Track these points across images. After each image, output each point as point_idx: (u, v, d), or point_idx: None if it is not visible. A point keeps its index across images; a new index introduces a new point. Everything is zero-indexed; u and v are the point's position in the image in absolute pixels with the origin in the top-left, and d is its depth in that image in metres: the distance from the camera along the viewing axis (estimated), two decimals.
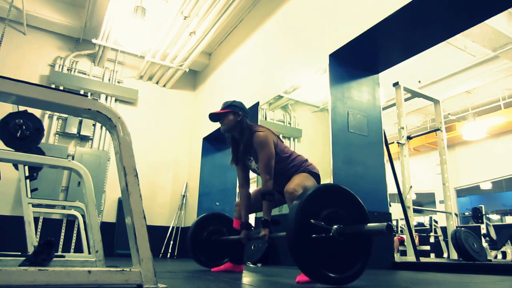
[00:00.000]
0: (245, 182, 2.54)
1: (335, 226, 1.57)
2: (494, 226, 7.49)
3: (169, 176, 6.97)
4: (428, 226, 8.72)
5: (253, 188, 2.68)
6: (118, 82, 6.84)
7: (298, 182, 2.18)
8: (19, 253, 2.86)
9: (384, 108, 5.45)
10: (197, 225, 2.84)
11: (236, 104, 2.45)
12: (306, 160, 2.42)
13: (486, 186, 10.19)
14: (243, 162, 2.48)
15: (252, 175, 2.73)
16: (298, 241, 1.52)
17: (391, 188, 4.07)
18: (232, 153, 2.51)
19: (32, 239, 3.01)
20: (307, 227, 1.55)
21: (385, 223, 1.48)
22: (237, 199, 2.73)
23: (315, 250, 1.53)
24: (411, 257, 4.64)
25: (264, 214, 2.26)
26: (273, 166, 2.28)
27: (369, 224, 1.59)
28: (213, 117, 2.45)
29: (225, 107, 2.44)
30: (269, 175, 2.25)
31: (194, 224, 2.86)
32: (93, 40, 6.07)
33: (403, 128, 4.87)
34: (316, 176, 2.36)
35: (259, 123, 4.86)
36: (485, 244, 6.37)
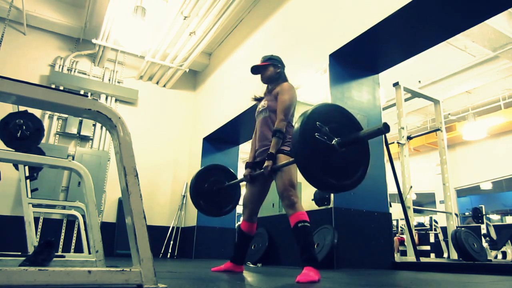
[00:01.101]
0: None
1: (336, 139, 1.68)
2: (494, 226, 7.49)
3: (169, 176, 6.97)
4: (428, 226, 8.73)
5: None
6: (118, 82, 6.84)
7: (284, 182, 2.19)
8: (19, 253, 2.86)
9: (384, 108, 5.46)
10: (199, 176, 2.87)
11: (275, 57, 2.61)
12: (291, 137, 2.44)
13: (486, 186, 10.19)
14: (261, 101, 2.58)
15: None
16: (304, 140, 1.62)
17: (391, 188, 4.07)
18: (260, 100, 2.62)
19: (32, 239, 3.01)
20: (312, 129, 1.66)
21: (382, 123, 1.58)
22: (240, 201, 2.75)
23: (318, 155, 1.64)
24: (411, 257, 4.64)
25: (272, 148, 2.29)
26: (291, 112, 2.40)
27: (365, 129, 1.73)
28: (255, 69, 2.60)
29: (265, 60, 2.59)
30: (285, 117, 2.35)
31: (196, 174, 2.88)
32: (93, 40, 6.08)
33: (403, 128, 4.87)
34: (290, 154, 2.34)
35: None
36: (485, 244, 6.37)
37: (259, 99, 2.64)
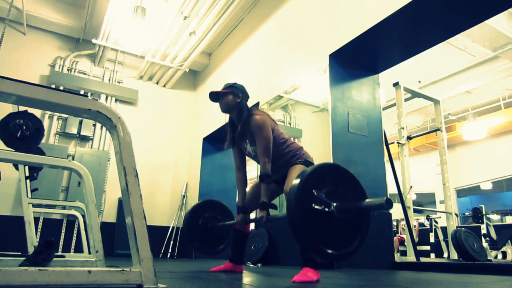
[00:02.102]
0: (242, 166, 2.56)
1: (334, 204, 1.58)
2: (494, 226, 7.49)
3: (169, 176, 6.97)
4: (428, 226, 8.72)
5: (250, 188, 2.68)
6: (118, 82, 6.84)
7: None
8: (19, 253, 2.86)
9: (384, 108, 5.46)
10: (193, 212, 2.85)
11: (237, 86, 2.47)
12: (302, 148, 2.43)
13: (486, 186, 10.19)
14: (239, 145, 2.50)
15: (248, 170, 2.73)
16: (299, 211, 1.53)
17: (391, 188, 4.07)
18: (229, 134, 2.53)
19: (32, 239, 3.01)
20: (309, 198, 1.57)
21: (384, 197, 1.48)
22: (237, 200, 2.74)
23: (315, 225, 1.55)
24: (411, 257, 4.64)
25: (263, 196, 2.26)
26: (271, 149, 2.30)
27: (367, 200, 1.61)
28: (213, 96, 2.47)
29: (225, 88, 2.46)
30: (267, 157, 2.27)
31: (190, 211, 2.86)
32: (93, 40, 6.08)
33: (403, 128, 4.87)
34: (311, 165, 2.36)
35: None
36: (485, 244, 6.37)
37: (234, 140, 2.51)
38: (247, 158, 2.58)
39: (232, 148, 2.56)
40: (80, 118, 6.07)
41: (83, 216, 3.83)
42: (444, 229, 6.24)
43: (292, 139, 2.50)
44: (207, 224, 2.81)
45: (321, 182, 1.63)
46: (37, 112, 5.36)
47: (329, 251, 1.54)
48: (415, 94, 5.56)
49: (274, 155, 2.33)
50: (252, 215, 2.65)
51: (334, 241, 1.58)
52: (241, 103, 2.41)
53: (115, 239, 5.90)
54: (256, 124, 2.29)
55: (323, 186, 1.62)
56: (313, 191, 1.57)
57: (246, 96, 2.47)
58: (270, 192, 2.30)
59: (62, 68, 6.35)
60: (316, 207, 1.55)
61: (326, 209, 1.56)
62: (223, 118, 5.88)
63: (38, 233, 5.36)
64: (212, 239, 2.84)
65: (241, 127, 2.39)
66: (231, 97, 2.41)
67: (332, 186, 1.64)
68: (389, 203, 1.46)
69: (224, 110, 2.45)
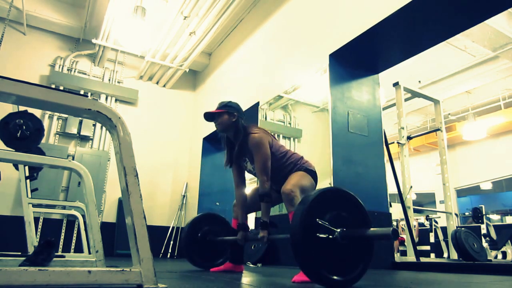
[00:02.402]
0: (241, 183, 2.54)
1: (338, 230, 1.57)
2: (494, 226, 7.49)
3: (169, 176, 6.97)
4: (428, 226, 8.72)
5: (252, 187, 2.68)
6: (118, 82, 6.84)
7: (295, 182, 2.18)
8: (19, 253, 2.86)
9: (384, 108, 5.46)
10: (191, 226, 2.84)
11: (232, 104, 2.45)
12: (302, 158, 2.42)
13: (486, 186, 10.19)
14: (237, 163, 2.48)
15: (248, 176, 2.74)
16: (303, 240, 1.52)
17: (391, 188, 4.07)
18: (227, 154, 2.51)
19: (32, 239, 3.01)
20: (312, 226, 1.56)
21: (390, 228, 1.46)
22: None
23: (318, 252, 1.54)
24: (411, 257, 4.64)
25: (263, 216, 2.26)
26: (270, 167, 2.28)
27: (373, 229, 1.59)
28: (208, 116, 2.45)
29: (220, 107, 2.43)
30: (266, 176, 2.25)
31: (188, 225, 2.86)
32: (93, 40, 6.08)
33: (403, 128, 4.87)
34: (312, 173, 2.36)
35: (259, 123, 4.88)
36: (485, 244, 6.37)
37: (232, 160, 2.49)
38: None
39: (231, 167, 2.54)
40: (80, 118, 6.07)
41: (83, 216, 3.83)
42: (444, 229, 6.24)
43: (292, 150, 2.49)
44: (206, 238, 2.80)
45: (324, 208, 1.62)
46: (37, 112, 5.36)
47: (334, 278, 1.53)
48: (415, 94, 5.56)
49: (275, 168, 2.31)
50: (252, 223, 2.65)
51: (338, 268, 1.57)
52: (237, 122, 2.39)
53: (115, 239, 5.90)
54: (254, 142, 2.28)
55: (327, 212, 1.61)
56: (317, 220, 1.56)
57: (241, 114, 2.44)
58: (270, 209, 2.29)
59: (62, 68, 6.35)
60: (321, 236, 1.54)
61: (330, 237, 1.55)
62: None
63: (38, 233, 5.36)
64: (210, 253, 2.82)
65: (238, 146, 2.38)
66: (227, 117, 2.39)
67: (335, 211, 1.63)
68: (395, 234, 1.44)
69: (220, 130, 2.44)
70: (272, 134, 2.47)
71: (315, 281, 1.55)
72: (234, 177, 2.55)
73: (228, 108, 2.40)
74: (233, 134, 2.41)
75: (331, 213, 1.62)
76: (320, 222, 1.56)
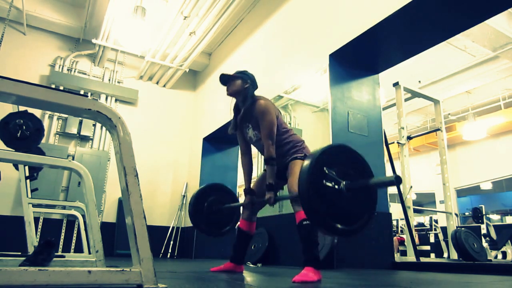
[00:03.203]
0: (247, 150, 2.60)
1: (344, 182, 1.64)
2: (494, 226, 7.49)
3: (169, 176, 6.97)
4: (428, 226, 8.72)
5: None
6: (118, 82, 6.84)
7: (296, 181, 2.18)
8: (19, 253, 2.86)
9: (384, 108, 5.46)
10: (198, 195, 2.85)
11: (247, 73, 2.53)
12: (303, 141, 2.45)
13: (486, 186, 10.19)
14: (241, 129, 2.53)
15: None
16: (310, 187, 1.59)
17: (391, 188, 4.07)
18: (233, 120, 2.56)
19: (32, 239, 3.01)
20: (320, 175, 1.63)
21: (394, 175, 1.53)
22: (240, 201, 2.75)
23: (325, 201, 1.60)
24: (411, 257, 4.64)
25: (268, 178, 2.28)
26: (275, 133, 2.33)
27: (376, 178, 1.69)
28: (223, 78, 2.51)
29: (237, 73, 2.51)
30: (272, 141, 2.30)
31: (195, 194, 2.87)
32: (93, 40, 6.08)
33: (403, 128, 4.87)
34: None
35: None
36: (485, 244, 6.37)
37: (237, 125, 2.55)
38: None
39: (237, 133, 2.59)
40: (80, 118, 6.07)
41: (83, 216, 3.83)
42: (444, 229, 6.24)
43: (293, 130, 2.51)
44: (212, 207, 2.83)
45: (332, 161, 1.69)
46: (37, 112, 5.36)
47: (339, 226, 1.60)
48: (415, 94, 5.56)
49: (276, 142, 2.35)
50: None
51: (343, 217, 1.64)
52: (247, 89, 2.45)
53: (115, 239, 5.90)
54: (261, 108, 2.33)
55: (334, 165, 1.68)
56: (325, 168, 1.63)
57: (254, 84, 2.51)
58: (275, 174, 2.30)
59: (62, 68, 6.35)
60: (327, 184, 1.61)
61: (336, 187, 1.63)
62: (223, 118, 5.88)
63: (38, 233, 5.35)
64: (217, 222, 2.85)
65: (244, 110, 2.44)
66: (240, 82, 2.45)
67: (342, 166, 1.70)
68: (398, 180, 1.52)
69: (230, 93, 2.49)
70: None
71: (321, 228, 1.60)
72: (240, 145, 2.60)
73: (243, 75, 2.49)
74: (241, 99, 2.47)
75: (337, 167, 1.69)
76: (327, 170, 1.62)
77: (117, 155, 1.05)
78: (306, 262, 1.98)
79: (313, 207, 1.57)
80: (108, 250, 5.42)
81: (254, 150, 2.63)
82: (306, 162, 1.66)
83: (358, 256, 3.34)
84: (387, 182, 1.61)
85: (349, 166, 1.72)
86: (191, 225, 6.54)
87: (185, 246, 6.43)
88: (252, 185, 2.56)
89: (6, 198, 5.41)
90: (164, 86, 7.30)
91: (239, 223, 2.65)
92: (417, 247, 4.51)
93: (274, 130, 2.32)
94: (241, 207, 2.61)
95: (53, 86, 5.90)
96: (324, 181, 1.61)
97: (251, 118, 2.41)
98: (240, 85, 2.44)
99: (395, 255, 4.77)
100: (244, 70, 2.55)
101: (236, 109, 2.54)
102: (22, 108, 3.13)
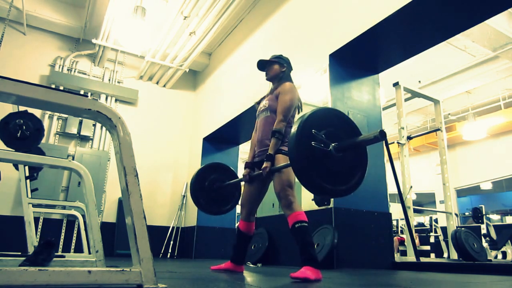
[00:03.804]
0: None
1: (333, 144, 1.67)
2: (494, 226, 7.49)
3: (169, 176, 6.97)
4: (428, 226, 8.72)
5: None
6: (118, 82, 6.84)
7: (281, 183, 2.19)
8: (19, 253, 2.86)
9: (384, 108, 5.46)
10: (199, 174, 2.87)
11: (283, 57, 2.60)
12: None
13: (486, 186, 10.19)
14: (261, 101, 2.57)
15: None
16: (300, 149, 1.62)
17: (391, 188, 4.06)
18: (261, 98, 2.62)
19: (32, 239, 3.01)
20: (308, 137, 1.65)
21: (378, 129, 1.58)
22: (239, 201, 2.75)
23: (315, 163, 1.63)
24: (411, 257, 4.64)
25: (270, 149, 2.28)
26: (291, 113, 2.37)
27: (362, 136, 1.72)
28: (260, 64, 2.59)
29: (273, 58, 2.58)
30: (284, 117, 2.32)
31: (197, 173, 2.88)
32: (93, 40, 6.08)
33: (403, 128, 4.87)
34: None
35: None
36: (485, 244, 6.37)
37: (260, 100, 2.63)
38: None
39: (257, 112, 2.62)
40: (80, 118, 6.07)
41: (83, 216, 3.83)
42: (444, 229, 6.24)
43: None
44: (213, 185, 2.86)
45: (320, 124, 1.72)
46: (37, 112, 5.36)
47: (329, 187, 1.63)
48: (415, 94, 5.56)
49: (271, 123, 2.39)
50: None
51: (335, 178, 1.67)
52: (285, 72, 2.54)
53: (115, 239, 5.90)
54: (288, 87, 2.40)
55: (322, 128, 1.71)
56: (313, 130, 1.66)
57: (290, 68, 2.59)
58: (278, 145, 2.30)
59: (62, 68, 6.35)
60: (315, 144, 1.63)
61: (325, 148, 1.65)
62: (223, 118, 5.88)
63: (38, 233, 5.36)
64: (218, 200, 2.88)
65: (275, 85, 2.51)
66: (277, 66, 2.54)
67: (331, 128, 1.73)
68: (382, 134, 1.56)
69: (269, 78, 2.57)
70: None
71: (313, 190, 1.62)
72: (256, 122, 2.61)
73: (279, 59, 2.56)
74: (277, 82, 2.53)
75: (327, 129, 1.72)
76: (315, 132, 1.65)
77: (117, 155, 1.05)
78: (304, 262, 1.98)
79: (304, 169, 1.60)
80: (108, 250, 5.42)
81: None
82: (295, 125, 1.68)
83: (358, 256, 3.34)
84: (372, 138, 1.62)
85: (338, 128, 1.76)
86: (191, 225, 6.55)
87: (185, 246, 6.43)
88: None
89: (6, 198, 5.42)
90: (164, 86, 7.30)
91: (238, 223, 2.66)
92: (417, 247, 4.51)
93: (291, 110, 2.36)
94: (240, 206, 2.60)
95: (53, 86, 5.90)
96: (312, 142, 1.63)
97: (273, 91, 2.49)
98: (278, 69, 2.53)
99: (395, 255, 4.77)
100: (279, 54, 2.62)
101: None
102: (22, 108, 3.13)
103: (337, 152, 1.66)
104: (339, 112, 1.85)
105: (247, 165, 2.52)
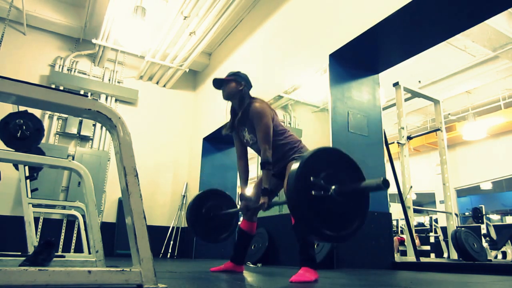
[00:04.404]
0: (243, 154, 2.57)
1: (333, 186, 1.60)
2: (494, 226, 7.49)
3: (169, 176, 6.97)
4: (428, 226, 8.72)
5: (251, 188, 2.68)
6: (118, 82, 6.84)
7: None
8: (19, 253, 2.86)
9: (384, 108, 5.46)
10: (196, 201, 2.84)
11: (240, 74, 2.51)
12: (300, 141, 2.42)
13: (486, 186, 10.19)
14: (238, 131, 2.51)
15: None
16: (299, 198, 1.56)
17: (391, 188, 4.06)
18: (229, 121, 2.54)
19: (32, 239, 3.01)
20: (307, 184, 1.59)
21: (381, 177, 1.49)
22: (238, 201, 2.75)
23: (314, 209, 1.57)
24: (411, 257, 4.64)
25: (264, 183, 2.26)
26: (271, 136, 2.31)
27: (365, 182, 1.63)
28: (216, 82, 2.49)
29: (229, 75, 2.49)
30: (268, 145, 2.27)
31: (194, 199, 2.85)
32: (93, 40, 6.07)
33: (403, 128, 4.87)
34: None
35: None
36: (485, 244, 6.37)
37: (233, 127, 2.51)
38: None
39: (233, 136, 2.57)
40: (80, 118, 6.07)
41: (83, 216, 3.83)
42: (444, 229, 6.24)
43: (291, 131, 2.49)
44: (211, 213, 2.81)
45: (318, 167, 1.65)
46: (37, 112, 5.35)
47: (329, 233, 1.57)
48: (415, 94, 5.56)
49: (274, 145, 2.34)
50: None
51: (335, 223, 1.61)
52: (243, 91, 2.43)
53: (115, 239, 5.90)
54: (256, 111, 2.31)
55: (321, 171, 1.64)
56: (311, 178, 1.59)
57: (248, 85, 2.49)
58: (270, 179, 2.29)
59: (62, 68, 6.35)
60: (315, 193, 1.57)
61: (326, 193, 1.59)
62: (223, 118, 5.87)
63: (38, 233, 5.35)
64: (215, 228, 2.84)
65: (241, 113, 2.41)
66: (234, 85, 2.43)
67: (330, 169, 1.66)
68: (386, 184, 1.47)
69: (226, 97, 2.48)
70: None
71: (313, 236, 1.58)
72: (236, 148, 2.58)
73: (236, 77, 2.47)
74: (237, 102, 2.44)
75: (326, 171, 1.65)
76: (313, 179, 1.59)
77: (117, 155, 1.05)
78: (303, 262, 1.99)
79: (302, 217, 1.54)
80: (108, 250, 5.41)
81: (251, 152, 2.62)
82: (293, 169, 1.61)
83: (358, 256, 3.34)
84: (374, 186, 1.53)
85: (339, 168, 1.68)
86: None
87: (185, 246, 6.43)
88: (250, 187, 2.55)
89: (6, 198, 5.41)
90: (164, 86, 7.30)
91: (240, 223, 2.65)
92: (417, 247, 4.51)
93: (270, 133, 2.29)
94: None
95: (53, 86, 5.90)
96: (312, 192, 1.57)
97: (247, 121, 2.39)
98: (235, 88, 2.43)
99: (395, 255, 4.77)
100: (236, 71, 2.53)
101: (233, 111, 2.52)
102: (22, 108, 3.13)
103: (338, 196, 1.59)
104: (339, 151, 1.76)
105: (242, 197, 2.46)
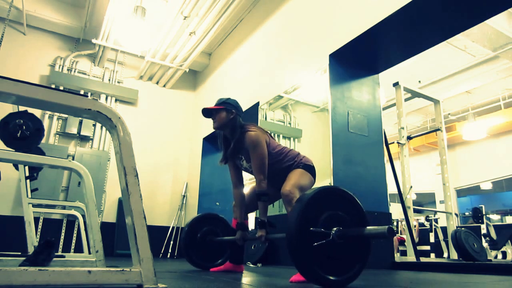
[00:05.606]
0: (239, 182, 2.51)
1: (335, 229, 1.56)
2: (494, 226, 7.49)
3: (169, 176, 6.97)
4: (428, 226, 8.71)
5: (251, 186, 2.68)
6: (118, 82, 6.84)
7: (293, 182, 2.17)
8: (19, 253, 2.86)
9: (384, 108, 5.46)
10: (191, 227, 2.83)
11: (230, 101, 2.41)
12: (298, 154, 2.39)
13: (486, 186, 10.19)
14: (233, 161, 2.46)
15: (247, 176, 2.71)
16: (299, 248, 1.52)
17: (391, 188, 4.07)
18: (223, 151, 2.48)
19: (32, 239, 3.01)
20: (308, 234, 1.55)
21: (386, 226, 1.44)
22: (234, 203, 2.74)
23: (315, 255, 1.53)
24: (411, 257, 4.63)
25: (261, 215, 2.24)
26: (267, 165, 2.26)
27: (369, 227, 1.57)
28: (206, 112, 2.40)
29: (218, 104, 2.39)
30: (263, 175, 2.23)
31: (188, 225, 2.86)
32: (93, 40, 6.07)
33: (403, 128, 4.87)
34: (310, 168, 2.32)
35: (259, 123, 4.88)
36: (485, 244, 6.37)
37: (228, 158, 2.46)
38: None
39: (228, 165, 2.51)
40: (80, 118, 6.07)
41: (83, 216, 3.83)
42: (444, 229, 6.24)
43: (288, 147, 2.46)
44: (206, 238, 2.79)
45: (319, 208, 1.60)
46: (37, 112, 5.36)
47: (331, 278, 1.53)
48: (415, 94, 5.56)
49: (273, 169, 2.29)
50: (251, 223, 2.63)
51: (336, 267, 1.57)
52: (234, 119, 2.35)
53: (115, 239, 5.90)
54: (250, 140, 2.24)
55: (322, 212, 1.59)
56: (311, 228, 1.55)
57: (239, 112, 2.40)
58: (267, 208, 2.27)
59: (62, 68, 6.35)
60: (316, 244, 1.53)
61: (327, 238, 1.55)
62: None
63: (38, 233, 5.35)
64: (210, 253, 2.81)
65: (234, 143, 2.34)
66: (224, 114, 2.34)
67: (331, 210, 1.61)
68: (390, 232, 1.42)
69: (217, 127, 2.39)
70: (272, 134, 2.46)
71: (312, 281, 1.55)
72: (231, 176, 2.51)
73: (226, 105, 2.36)
74: (229, 131, 2.37)
75: (327, 212, 1.60)
76: (313, 230, 1.54)
77: (117, 155, 1.05)
78: None
79: (306, 271, 1.52)
80: (108, 250, 5.42)
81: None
82: (292, 218, 1.56)
83: None
84: (379, 233, 1.48)
85: (340, 208, 1.64)
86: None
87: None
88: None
89: (6, 198, 5.41)
90: (164, 86, 7.30)
91: (232, 223, 2.64)
92: (417, 247, 4.51)
93: (265, 163, 2.24)
94: (233, 209, 2.59)
95: (53, 86, 5.90)
96: (314, 243, 1.53)
97: (243, 150, 2.33)
98: (226, 117, 2.33)
99: (395, 255, 4.77)
100: (226, 98, 2.44)
101: (225, 140, 2.45)
102: (22, 108, 3.12)
103: (339, 239, 1.55)
104: (340, 190, 1.70)
105: (239, 227, 2.41)
